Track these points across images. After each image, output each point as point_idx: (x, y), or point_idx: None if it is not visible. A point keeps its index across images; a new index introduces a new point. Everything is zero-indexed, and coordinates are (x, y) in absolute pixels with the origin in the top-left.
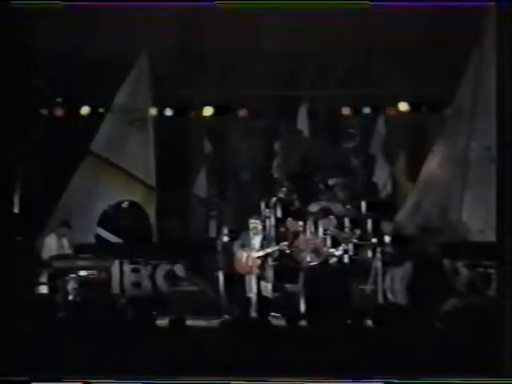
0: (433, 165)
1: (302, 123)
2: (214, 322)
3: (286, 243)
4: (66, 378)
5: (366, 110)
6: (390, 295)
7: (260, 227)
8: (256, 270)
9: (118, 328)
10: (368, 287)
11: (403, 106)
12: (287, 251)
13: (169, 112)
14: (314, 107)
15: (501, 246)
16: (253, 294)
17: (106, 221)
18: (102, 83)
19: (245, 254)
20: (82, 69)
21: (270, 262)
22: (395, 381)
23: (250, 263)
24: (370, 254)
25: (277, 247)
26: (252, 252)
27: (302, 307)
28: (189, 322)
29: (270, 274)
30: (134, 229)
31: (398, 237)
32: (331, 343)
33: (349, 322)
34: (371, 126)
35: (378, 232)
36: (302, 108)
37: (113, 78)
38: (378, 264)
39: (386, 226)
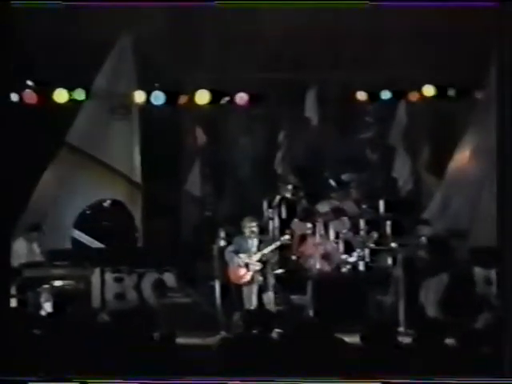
0: (462, 157)
1: (310, 110)
2: (210, 340)
3: (287, 237)
4: None
5: (385, 95)
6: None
7: (256, 230)
8: (256, 279)
9: (99, 346)
10: (388, 299)
11: (428, 90)
12: (294, 257)
13: (157, 98)
14: (324, 92)
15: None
16: (253, 307)
17: (84, 223)
18: (80, 64)
19: (240, 261)
20: (57, 48)
21: (271, 268)
22: (393, 381)
23: (246, 271)
24: (389, 260)
25: (277, 243)
26: (248, 258)
27: (310, 321)
28: (180, 340)
29: (271, 280)
30: (116, 232)
31: (434, 242)
32: (343, 364)
33: (363, 340)
34: (391, 114)
35: (398, 235)
36: (309, 93)
37: (92, 58)
38: (399, 272)
39: (423, 230)
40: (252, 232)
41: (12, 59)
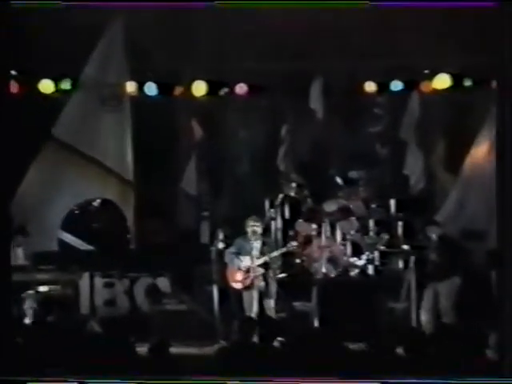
0: (480, 153)
1: (315, 102)
2: (207, 349)
3: (295, 244)
4: None
5: (396, 86)
6: (427, 316)
7: (260, 231)
8: (256, 284)
9: (88, 357)
10: (399, 305)
11: (442, 80)
12: (297, 260)
13: (150, 88)
14: (331, 82)
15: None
16: (253, 314)
17: (72, 223)
18: (67, 53)
19: (241, 264)
20: (43, 34)
21: (274, 273)
22: (392, 381)
23: (247, 275)
24: (400, 263)
25: (283, 249)
26: (250, 262)
27: (315, 330)
28: (174, 350)
29: (273, 286)
30: (107, 233)
31: (445, 243)
32: (349, 374)
33: (373, 349)
34: (402, 105)
35: (410, 236)
36: (314, 83)
37: (80, 45)
38: (412, 276)
39: (431, 230)
40: (254, 233)
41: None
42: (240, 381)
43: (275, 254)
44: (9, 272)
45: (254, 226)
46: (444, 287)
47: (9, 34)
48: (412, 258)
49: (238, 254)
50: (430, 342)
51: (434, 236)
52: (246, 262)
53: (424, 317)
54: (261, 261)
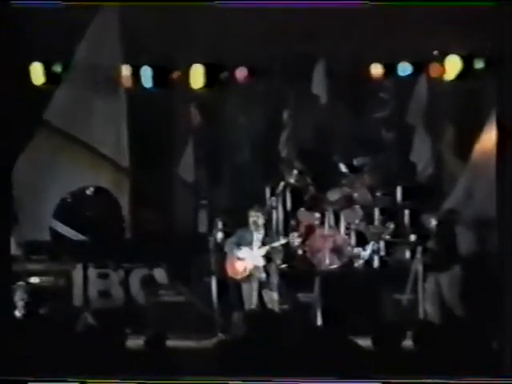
0: (490, 137)
1: (318, 86)
2: (205, 343)
3: (297, 234)
4: None
5: (403, 69)
6: (432, 308)
7: (262, 222)
8: (257, 275)
9: (81, 350)
10: (405, 297)
11: (452, 62)
12: (300, 251)
13: (146, 72)
14: (334, 65)
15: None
16: (254, 307)
17: (64, 212)
18: (58, 33)
19: (241, 255)
20: (32, 14)
21: (276, 264)
22: (394, 381)
23: (247, 266)
24: (407, 254)
25: (285, 240)
26: (251, 251)
27: (319, 323)
28: (171, 343)
29: (274, 279)
30: (101, 222)
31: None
32: (354, 370)
33: (376, 344)
34: (409, 89)
35: (417, 226)
36: (317, 66)
37: (72, 28)
38: (419, 267)
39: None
40: (256, 224)
41: None
42: (239, 380)
43: (275, 244)
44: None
45: (255, 217)
46: (446, 277)
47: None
48: (419, 248)
49: (239, 244)
50: (438, 335)
51: (433, 224)
52: (246, 252)
53: (429, 308)
54: (261, 251)
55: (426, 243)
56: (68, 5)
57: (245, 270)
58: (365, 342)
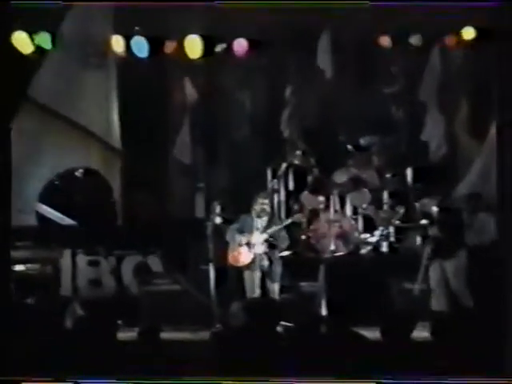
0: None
1: (323, 59)
2: (202, 335)
3: (300, 215)
4: None
5: (415, 40)
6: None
7: (269, 209)
8: (259, 263)
9: (70, 343)
10: (416, 287)
11: (467, 33)
12: (303, 237)
13: (138, 45)
14: (340, 36)
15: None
16: (255, 296)
17: (51, 195)
18: (44, 3)
19: (243, 241)
20: None
21: (277, 251)
22: (389, 381)
23: (248, 253)
24: (418, 240)
25: (288, 220)
26: (252, 238)
27: (323, 313)
28: (165, 335)
29: (278, 268)
30: (91, 206)
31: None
32: (360, 363)
33: (385, 335)
34: (421, 62)
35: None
36: (322, 38)
37: None
38: (431, 254)
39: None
40: (263, 211)
41: None
42: (236, 380)
43: (276, 228)
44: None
45: (263, 204)
46: (452, 265)
47: None
48: (431, 234)
49: (241, 231)
50: (449, 327)
51: (433, 209)
52: (247, 239)
53: (436, 298)
54: (263, 237)
55: (438, 228)
56: None
57: (247, 257)
58: (372, 334)
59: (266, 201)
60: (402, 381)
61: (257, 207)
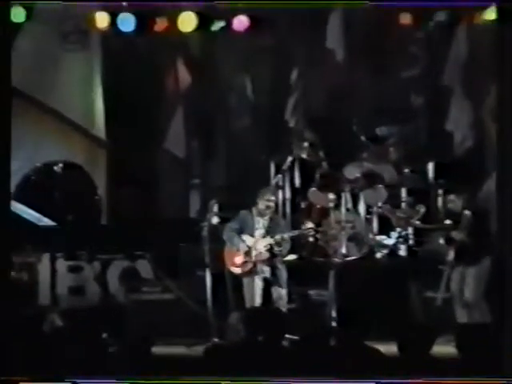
0: None
1: (334, 39)
2: (197, 350)
3: (311, 225)
4: None
5: (439, 17)
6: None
7: (273, 207)
8: (262, 269)
9: (47, 359)
10: (439, 295)
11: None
12: (311, 239)
13: (125, 22)
14: (353, 14)
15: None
16: (257, 305)
17: (27, 192)
18: None
19: (244, 245)
20: None
21: (282, 256)
22: (387, 381)
23: (249, 258)
24: (441, 242)
25: (296, 232)
26: (255, 240)
27: (333, 325)
28: (157, 350)
29: (283, 274)
30: (72, 204)
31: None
32: (375, 378)
33: (405, 350)
34: (445, 43)
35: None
36: (333, 15)
37: None
38: (455, 259)
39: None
40: (268, 208)
41: None
42: (236, 381)
43: (286, 235)
44: None
45: (269, 202)
46: (473, 272)
47: None
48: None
49: (240, 231)
50: (476, 341)
51: (458, 208)
52: (248, 241)
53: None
54: (266, 242)
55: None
56: None
57: (247, 261)
58: (389, 349)
59: (273, 197)
60: (401, 380)
61: (261, 205)
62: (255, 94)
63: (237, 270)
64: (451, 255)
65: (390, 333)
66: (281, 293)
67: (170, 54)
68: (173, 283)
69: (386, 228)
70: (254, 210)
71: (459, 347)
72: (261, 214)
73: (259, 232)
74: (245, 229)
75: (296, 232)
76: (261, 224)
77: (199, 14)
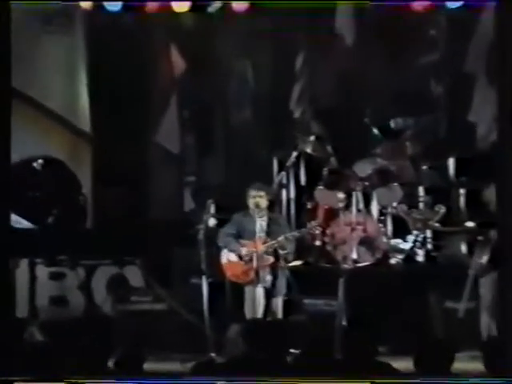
0: None
1: (343, 23)
2: (192, 365)
3: (316, 223)
4: None
5: None
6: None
7: (265, 203)
8: (264, 277)
9: (24, 375)
10: (461, 306)
11: None
12: (317, 242)
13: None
14: None
15: None
16: (258, 317)
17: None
18: None
19: (241, 250)
20: None
21: (285, 260)
22: (383, 381)
23: (249, 265)
24: (463, 247)
25: (301, 231)
26: (255, 244)
27: (343, 338)
28: (149, 366)
29: (283, 282)
30: (53, 204)
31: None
32: None
33: (423, 366)
34: (467, 26)
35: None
36: None
37: None
38: (479, 265)
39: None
40: (258, 206)
41: None
42: (235, 381)
43: (289, 235)
44: None
45: (257, 197)
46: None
47: None
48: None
49: (238, 235)
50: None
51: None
52: (247, 246)
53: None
54: (267, 246)
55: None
56: None
57: (247, 270)
58: (404, 365)
59: (262, 193)
60: (399, 380)
61: (250, 202)
62: (256, 82)
63: (236, 279)
64: (484, 258)
65: (405, 347)
66: (282, 301)
67: (162, 38)
68: (165, 292)
69: (401, 231)
70: (252, 211)
71: (487, 364)
72: (258, 214)
73: (259, 235)
74: (242, 233)
75: (300, 231)
76: (259, 226)
77: None
